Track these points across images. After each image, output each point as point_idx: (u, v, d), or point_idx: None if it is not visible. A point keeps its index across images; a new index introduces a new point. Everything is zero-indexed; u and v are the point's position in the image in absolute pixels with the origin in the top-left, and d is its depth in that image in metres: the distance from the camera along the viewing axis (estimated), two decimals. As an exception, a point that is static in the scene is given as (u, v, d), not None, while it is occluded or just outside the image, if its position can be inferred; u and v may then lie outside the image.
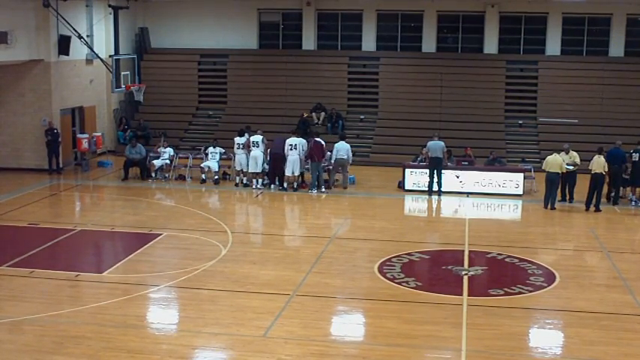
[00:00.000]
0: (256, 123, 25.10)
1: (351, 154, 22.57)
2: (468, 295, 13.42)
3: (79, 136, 25.59)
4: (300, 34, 30.38)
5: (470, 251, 16.19)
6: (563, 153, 20.64)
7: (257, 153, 22.10)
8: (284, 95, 29.37)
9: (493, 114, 28.27)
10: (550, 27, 29.05)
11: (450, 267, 15.12)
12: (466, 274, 14.67)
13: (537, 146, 26.72)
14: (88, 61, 26.73)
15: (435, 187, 21.74)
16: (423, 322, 12.22)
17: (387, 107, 28.87)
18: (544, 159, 20.87)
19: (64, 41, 24.49)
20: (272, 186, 22.32)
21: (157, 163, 23.58)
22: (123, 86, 24.85)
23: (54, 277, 14.12)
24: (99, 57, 25.77)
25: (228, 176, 23.65)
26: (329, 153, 23.13)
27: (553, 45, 29.09)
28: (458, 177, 22.08)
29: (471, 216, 19.78)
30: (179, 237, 17.04)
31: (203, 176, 23.04)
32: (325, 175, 22.86)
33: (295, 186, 22.08)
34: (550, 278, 14.43)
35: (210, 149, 23.34)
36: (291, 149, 21.63)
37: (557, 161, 20.14)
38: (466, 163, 22.57)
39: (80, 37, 24.36)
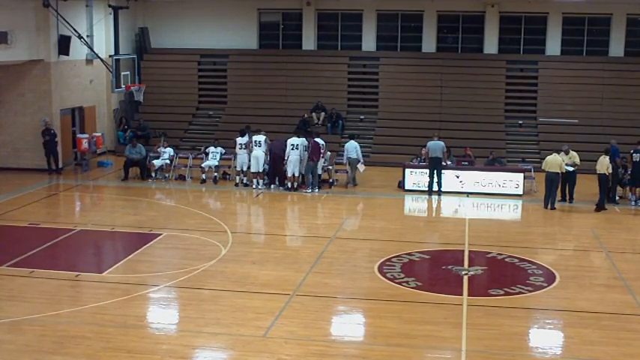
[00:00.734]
0: (256, 123, 25.10)
1: (360, 153, 22.84)
2: (468, 295, 13.42)
3: (79, 136, 25.59)
4: (300, 34, 30.38)
5: (470, 251, 16.19)
6: (562, 153, 20.65)
7: (258, 153, 22.11)
8: (284, 95, 29.38)
9: (493, 114, 28.27)
10: (550, 27, 29.05)
11: (450, 267, 15.12)
12: (466, 274, 14.67)
13: (537, 146, 26.72)
14: (88, 61, 26.75)
15: (435, 187, 21.75)
16: (423, 322, 12.22)
17: (387, 107, 28.87)
18: (544, 159, 20.88)
19: (64, 41, 24.50)
20: (272, 186, 22.33)
21: (156, 163, 23.58)
22: (123, 86, 24.85)
23: (54, 277, 14.12)
24: (99, 57, 25.77)
25: (228, 176, 23.66)
26: (329, 153, 23.19)
27: (553, 45, 29.09)
28: (458, 177, 22.08)
29: (471, 216, 19.78)
30: (179, 237, 17.04)
31: (203, 176, 23.04)
32: (325, 175, 22.89)
33: (295, 186, 22.07)
34: (550, 278, 14.43)
35: (211, 149, 23.34)
36: (292, 149, 21.63)
37: (556, 161, 20.15)
38: (466, 163, 22.56)
39: (80, 37, 24.37)
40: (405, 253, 15.87)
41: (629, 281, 14.31)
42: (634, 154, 20.55)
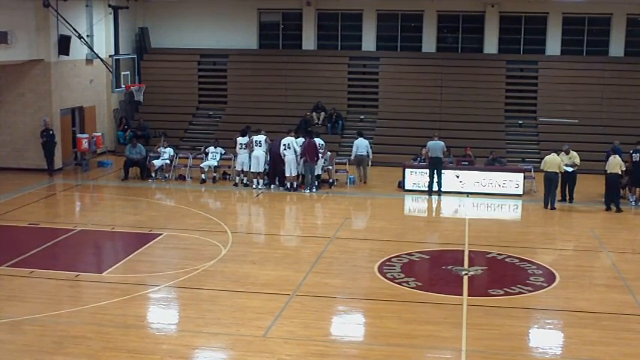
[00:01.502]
0: (256, 123, 25.09)
1: (370, 150, 23.17)
2: (468, 295, 13.42)
3: (79, 136, 25.58)
4: (300, 34, 30.37)
5: (470, 251, 16.19)
6: (563, 153, 20.65)
7: (259, 153, 22.11)
8: (284, 95, 29.38)
9: (493, 114, 28.27)
10: (550, 27, 29.05)
11: (450, 267, 15.12)
12: (466, 274, 14.67)
13: (537, 146, 26.72)
14: (88, 61, 26.75)
15: (435, 187, 21.74)
16: (423, 322, 12.23)
17: (387, 107, 28.87)
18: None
19: (64, 41, 24.49)
20: (272, 186, 22.33)
21: (157, 163, 23.58)
22: (123, 86, 24.83)
23: (54, 277, 14.12)
24: (99, 57, 25.77)
25: (228, 176, 23.66)
26: (329, 153, 23.19)
27: (553, 45, 29.08)
28: (458, 177, 22.08)
29: (471, 216, 19.77)
30: (179, 237, 17.04)
31: (203, 176, 23.04)
32: (324, 175, 22.89)
33: (295, 186, 22.08)
34: (550, 278, 14.43)
35: (211, 149, 23.35)
36: (285, 149, 21.64)
37: (555, 161, 20.15)
38: (466, 163, 22.56)
39: (80, 37, 24.36)
40: (405, 253, 15.87)
41: (629, 281, 14.30)
42: (634, 154, 20.55)
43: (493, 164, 22.53)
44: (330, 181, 22.89)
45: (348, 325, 12.36)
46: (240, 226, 18.89)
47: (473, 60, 29.26)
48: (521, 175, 22.00)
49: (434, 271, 15.45)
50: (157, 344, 11.22)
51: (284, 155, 21.65)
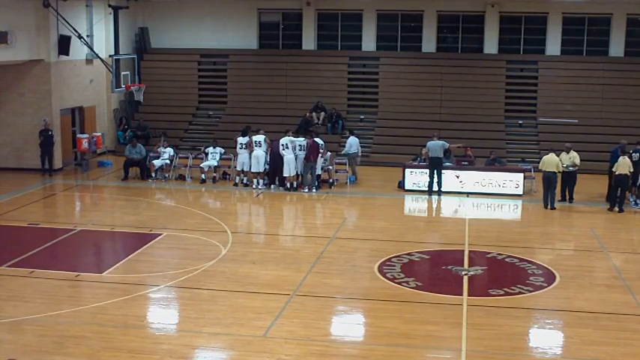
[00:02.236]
0: (256, 123, 25.09)
1: (360, 148, 23.69)
2: (468, 295, 13.42)
3: (79, 136, 25.56)
4: (300, 34, 30.38)
5: (470, 251, 16.19)
6: (563, 153, 20.65)
7: (259, 153, 22.11)
8: (284, 95, 29.38)
9: (493, 114, 28.27)
10: (550, 27, 29.05)
11: (450, 267, 15.12)
12: (466, 274, 14.67)
13: (537, 146, 26.71)
14: (88, 61, 26.75)
15: (435, 187, 21.74)
16: (423, 322, 12.23)
17: (387, 107, 28.87)
18: (543, 159, 20.89)
19: (64, 41, 24.49)
20: (272, 186, 22.33)
21: (157, 163, 23.58)
22: (123, 86, 24.85)
23: (54, 277, 14.12)
24: (99, 57, 25.78)
25: (228, 176, 23.66)
26: (329, 153, 23.18)
27: (553, 45, 29.08)
28: (458, 177, 22.08)
29: (471, 216, 19.77)
30: (179, 237, 17.04)
31: (203, 176, 23.04)
32: (324, 175, 22.89)
33: (295, 186, 22.08)
34: (550, 278, 14.43)
35: (210, 149, 23.35)
36: (283, 149, 21.65)
37: (553, 160, 20.16)
38: (466, 163, 22.56)
39: (80, 37, 24.37)
40: (405, 253, 15.87)
41: (629, 281, 14.31)
42: (634, 154, 20.54)
43: (493, 164, 22.53)
44: (330, 181, 22.89)
45: (348, 325, 12.36)
46: (240, 226, 18.89)
47: (473, 60, 29.27)
48: (521, 175, 22.00)
49: (434, 271, 15.46)
50: (157, 344, 11.22)
51: (283, 155, 21.65)
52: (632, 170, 19.94)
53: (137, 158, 23.54)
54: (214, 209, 20.57)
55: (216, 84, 30.39)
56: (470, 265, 15.23)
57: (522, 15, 29.30)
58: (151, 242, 16.56)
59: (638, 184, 20.40)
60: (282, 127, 25.18)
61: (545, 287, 13.97)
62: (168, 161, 23.65)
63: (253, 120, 26.55)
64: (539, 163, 21.02)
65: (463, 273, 14.72)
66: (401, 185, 22.44)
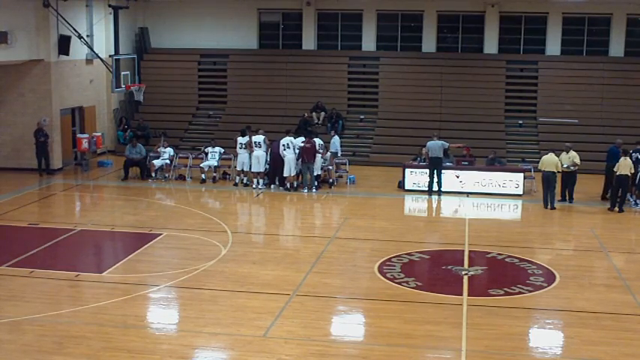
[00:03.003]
0: (256, 123, 25.10)
1: (340, 148, 24.18)
2: (468, 295, 13.42)
3: (79, 136, 25.57)
4: (300, 34, 30.38)
5: (470, 251, 16.19)
6: (564, 153, 20.65)
7: (259, 153, 22.11)
8: (284, 95, 29.38)
9: (493, 114, 28.27)
10: (550, 27, 29.05)
11: (450, 267, 15.12)
12: (466, 274, 14.67)
13: (537, 146, 26.71)
14: (88, 61, 26.75)
15: (435, 187, 21.75)
16: (423, 322, 12.23)
17: (387, 107, 28.87)
18: (543, 159, 20.89)
19: (64, 41, 24.49)
20: (272, 186, 22.33)
21: (157, 163, 23.59)
22: (123, 86, 24.85)
23: (54, 277, 14.12)
24: (99, 57, 25.78)
25: (228, 176, 23.67)
26: (329, 153, 23.18)
27: (553, 45, 29.08)
28: (458, 177, 22.08)
29: (471, 216, 19.77)
30: (179, 237, 17.04)
31: (203, 176, 23.04)
32: (324, 175, 22.88)
33: (295, 186, 22.08)
34: (550, 278, 14.44)
35: (210, 149, 23.36)
36: (284, 149, 21.66)
37: (552, 160, 20.17)
38: (466, 163, 22.56)
39: (80, 37, 24.37)
40: (405, 253, 15.87)
41: (629, 281, 14.31)
42: (633, 154, 20.53)
43: (493, 164, 22.54)
44: (330, 181, 22.89)
45: (348, 325, 12.36)
46: (240, 226, 18.88)
47: (473, 60, 29.27)
48: (521, 175, 22.01)
49: (434, 271, 15.46)
50: (157, 344, 11.22)
51: (284, 155, 21.66)
52: (632, 171, 19.94)
53: (137, 158, 23.54)
54: (214, 209, 20.57)
55: (216, 84, 30.39)
56: (470, 265, 15.23)
57: (522, 15, 29.30)
58: (151, 242, 16.56)
59: (637, 182, 20.40)
60: (282, 127, 25.18)
61: (545, 287, 13.97)
62: (168, 161, 23.65)
63: (253, 120, 26.56)
64: (539, 163, 21.03)
65: (463, 273, 14.72)
66: (401, 185, 22.44)
